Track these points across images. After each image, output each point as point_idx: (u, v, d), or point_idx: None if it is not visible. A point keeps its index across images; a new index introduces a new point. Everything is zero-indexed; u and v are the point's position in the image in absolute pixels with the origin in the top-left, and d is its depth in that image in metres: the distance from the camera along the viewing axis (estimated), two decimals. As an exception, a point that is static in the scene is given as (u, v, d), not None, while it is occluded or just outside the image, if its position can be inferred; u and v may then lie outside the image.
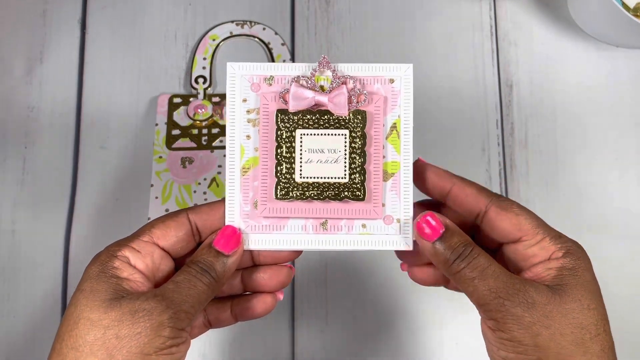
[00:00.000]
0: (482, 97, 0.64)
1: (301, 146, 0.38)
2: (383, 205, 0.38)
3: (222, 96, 0.61)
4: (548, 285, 0.34)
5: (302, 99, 0.38)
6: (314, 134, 0.38)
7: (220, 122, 0.59)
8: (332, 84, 0.38)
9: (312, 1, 0.66)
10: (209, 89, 0.62)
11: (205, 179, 0.57)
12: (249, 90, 0.39)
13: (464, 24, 0.66)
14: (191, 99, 0.60)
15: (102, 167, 0.61)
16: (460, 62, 0.64)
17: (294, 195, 0.38)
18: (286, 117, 0.38)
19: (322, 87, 0.38)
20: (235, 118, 0.39)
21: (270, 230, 0.38)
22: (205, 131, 0.59)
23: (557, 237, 0.36)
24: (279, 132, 0.38)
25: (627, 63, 0.65)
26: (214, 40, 0.64)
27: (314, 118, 0.38)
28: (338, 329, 0.58)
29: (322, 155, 0.38)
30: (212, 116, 0.60)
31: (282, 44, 0.64)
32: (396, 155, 0.39)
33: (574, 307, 0.34)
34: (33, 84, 0.63)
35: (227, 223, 0.38)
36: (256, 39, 0.64)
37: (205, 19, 0.65)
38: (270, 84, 0.39)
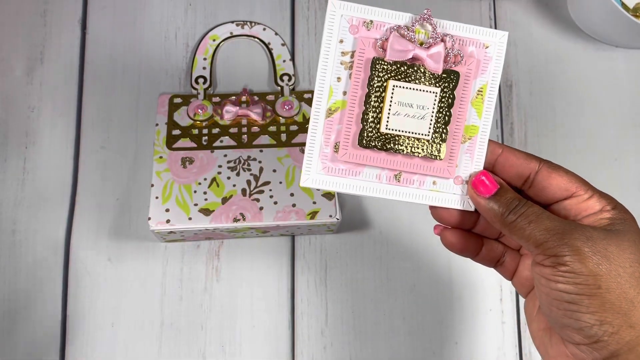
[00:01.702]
0: (482, 97, 0.64)
1: (392, 98, 0.38)
2: (456, 165, 0.39)
3: (222, 96, 0.61)
4: (602, 228, 0.36)
5: (401, 50, 0.37)
6: (406, 87, 0.38)
7: (221, 123, 0.59)
8: (430, 38, 0.38)
9: (312, 1, 0.66)
10: (209, 89, 0.62)
11: (205, 179, 0.57)
12: (347, 31, 0.38)
13: (463, 24, 0.66)
14: (191, 99, 0.60)
15: (102, 167, 0.61)
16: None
17: (376, 145, 0.38)
18: (381, 67, 0.38)
19: (419, 41, 0.38)
20: (329, 58, 0.38)
21: (346, 174, 0.39)
22: (205, 131, 0.59)
23: (605, 195, 0.38)
24: (371, 80, 0.38)
25: (627, 63, 0.65)
26: (214, 40, 0.64)
27: (408, 71, 0.38)
28: (338, 329, 0.58)
29: (410, 110, 0.38)
30: (212, 116, 0.60)
31: (282, 44, 0.64)
32: (477, 120, 0.39)
33: (629, 244, 0.35)
34: (33, 84, 0.63)
35: (305, 161, 0.38)
36: (256, 39, 0.64)
37: (205, 19, 0.65)
38: (369, 29, 0.38)
